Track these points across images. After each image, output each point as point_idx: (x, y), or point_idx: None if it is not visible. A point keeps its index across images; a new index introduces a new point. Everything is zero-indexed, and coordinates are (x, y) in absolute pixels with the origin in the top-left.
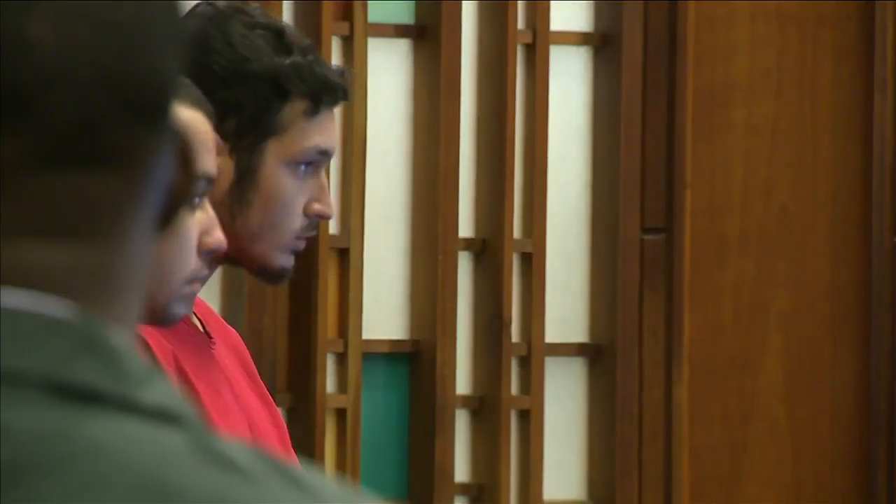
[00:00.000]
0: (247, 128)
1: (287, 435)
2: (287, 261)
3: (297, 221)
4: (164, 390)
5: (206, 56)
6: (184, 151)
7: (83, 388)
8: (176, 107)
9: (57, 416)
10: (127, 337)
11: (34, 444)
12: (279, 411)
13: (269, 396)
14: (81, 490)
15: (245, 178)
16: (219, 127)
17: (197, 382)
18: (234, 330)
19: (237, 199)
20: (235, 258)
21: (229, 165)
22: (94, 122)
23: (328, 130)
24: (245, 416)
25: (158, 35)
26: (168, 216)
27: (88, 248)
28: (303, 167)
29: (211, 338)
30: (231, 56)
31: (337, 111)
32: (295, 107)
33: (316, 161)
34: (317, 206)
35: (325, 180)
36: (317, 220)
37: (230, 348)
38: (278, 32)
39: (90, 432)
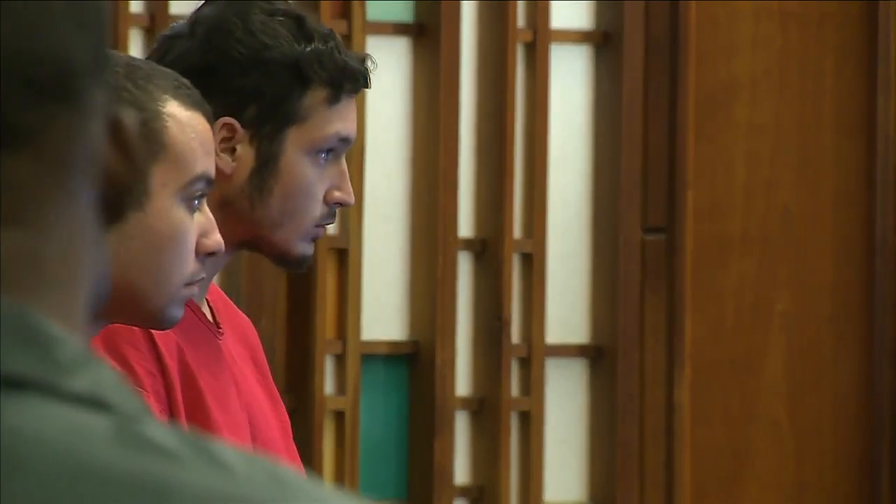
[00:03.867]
0: (267, 115)
1: (290, 430)
2: (307, 248)
3: (317, 209)
4: (98, 377)
5: (226, 43)
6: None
7: (8, 375)
8: (100, 88)
9: None
10: (64, 325)
11: None
12: (284, 406)
13: (276, 391)
14: None
15: (266, 166)
16: (239, 114)
17: (199, 374)
18: (247, 319)
19: (257, 187)
20: (255, 245)
21: (249, 153)
22: None
23: (349, 117)
24: (246, 409)
25: (60, 12)
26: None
27: (9, 234)
28: (323, 155)
29: (220, 327)
30: (251, 43)
31: None
32: (316, 94)
33: (336, 148)
34: (337, 194)
35: (345, 167)
36: (336, 208)
37: (240, 338)
38: (298, 20)
39: (10, 418)
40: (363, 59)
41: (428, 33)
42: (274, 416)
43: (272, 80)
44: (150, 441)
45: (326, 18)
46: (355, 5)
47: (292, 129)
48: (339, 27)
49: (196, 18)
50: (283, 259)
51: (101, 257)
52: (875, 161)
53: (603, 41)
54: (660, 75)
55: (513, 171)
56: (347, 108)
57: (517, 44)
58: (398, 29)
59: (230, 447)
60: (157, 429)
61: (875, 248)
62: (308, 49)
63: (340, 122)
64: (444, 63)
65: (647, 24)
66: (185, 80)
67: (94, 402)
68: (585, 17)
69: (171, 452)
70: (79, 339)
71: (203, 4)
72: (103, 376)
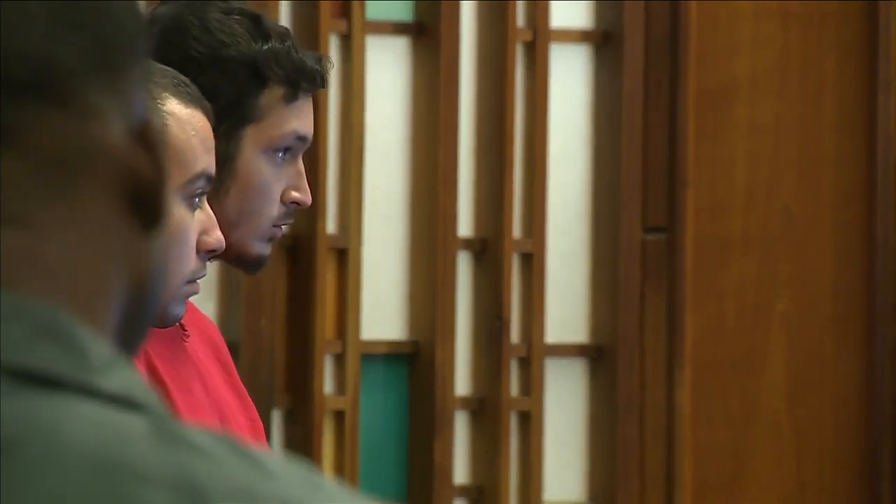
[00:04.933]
0: (225, 114)
1: (262, 430)
2: (264, 249)
3: (274, 209)
4: (127, 378)
5: (183, 42)
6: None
7: (43, 373)
8: (106, 89)
9: (15, 400)
10: (88, 325)
11: None
12: (253, 405)
13: (244, 390)
14: (34, 469)
15: (223, 166)
16: None
17: (166, 377)
18: (211, 321)
19: (214, 187)
20: None
21: None
22: None
23: (306, 116)
24: (216, 410)
25: (40, 12)
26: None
27: (6, 233)
28: (280, 154)
29: (185, 330)
30: (208, 41)
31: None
32: (273, 93)
33: (294, 147)
34: (294, 194)
35: (302, 167)
36: (294, 208)
37: (206, 340)
38: (255, 18)
39: (47, 415)
40: (320, 58)
41: (428, 33)
42: (242, 415)
43: (230, 78)
44: (187, 440)
45: (326, 18)
46: (355, 5)
47: (249, 128)
48: (339, 27)
49: (152, 17)
50: (240, 260)
51: (134, 262)
52: (876, 161)
53: (603, 41)
54: (660, 75)
55: (512, 171)
56: (304, 106)
57: (517, 43)
58: (398, 28)
59: (264, 450)
60: (191, 429)
61: (876, 248)
62: (265, 48)
63: (297, 121)
64: (443, 63)
65: (648, 23)
66: (185, 78)
67: (127, 402)
68: (585, 16)
69: (208, 451)
70: (105, 341)
71: (160, 3)
72: (132, 377)
